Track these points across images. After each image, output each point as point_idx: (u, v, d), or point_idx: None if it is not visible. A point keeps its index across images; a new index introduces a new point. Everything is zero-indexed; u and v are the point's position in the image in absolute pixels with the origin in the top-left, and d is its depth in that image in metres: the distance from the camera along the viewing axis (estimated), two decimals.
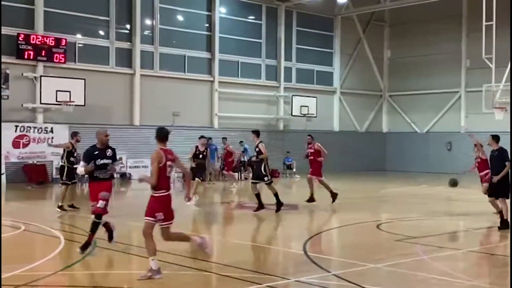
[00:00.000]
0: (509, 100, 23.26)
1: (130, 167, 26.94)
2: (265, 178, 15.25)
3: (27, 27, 24.81)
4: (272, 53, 32.86)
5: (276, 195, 15.25)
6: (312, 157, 17.57)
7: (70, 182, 15.29)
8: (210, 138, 26.73)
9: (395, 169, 35.09)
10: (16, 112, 24.34)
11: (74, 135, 15.91)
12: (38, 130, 24.81)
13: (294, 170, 30.45)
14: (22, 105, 24.43)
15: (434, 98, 34.82)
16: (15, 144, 24.31)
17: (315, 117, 32.59)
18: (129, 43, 27.63)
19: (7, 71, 24.02)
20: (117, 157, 10.39)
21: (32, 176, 24.12)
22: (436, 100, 34.75)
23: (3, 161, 23.42)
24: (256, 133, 15.66)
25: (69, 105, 24.37)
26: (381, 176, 31.53)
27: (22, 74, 24.52)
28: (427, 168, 34.02)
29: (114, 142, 24.46)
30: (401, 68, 36.67)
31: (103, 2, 26.97)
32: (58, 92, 24.16)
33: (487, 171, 14.29)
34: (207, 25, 30.36)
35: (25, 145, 24.15)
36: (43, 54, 24.69)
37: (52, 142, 24.48)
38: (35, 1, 24.78)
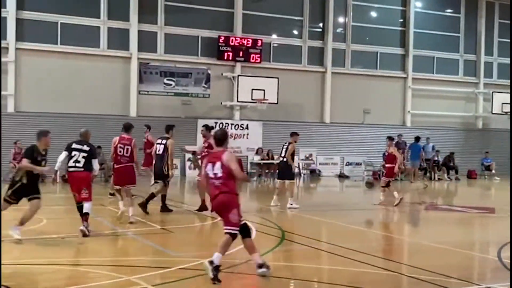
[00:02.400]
0: None
1: (320, 163, 27.35)
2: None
3: (227, 29, 26.29)
4: (471, 48, 31.13)
5: (161, 196, 13.55)
6: (207, 154, 12.91)
7: None
8: (400, 135, 26.24)
9: None
10: (216, 110, 26.02)
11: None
12: (235, 126, 26.24)
13: (493, 171, 28.55)
14: (221, 103, 26.01)
15: None
16: None
17: None
18: (321, 41, 28.00)
19: (209, 71, 25.76)
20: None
21: None
22: None
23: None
24: (167, 128, 13.75)
25: (263, 103, 25.38)
26: None
27: (222, 74, 26.08)
28: None
29: (304, 139, 24.94)
30: None
31: (297, 3, 27.63)
32: (253, 91, 25.30)
33: (389, 165, 16.16)
34: (401, 20, 29.65)
35: None
36: (240, 55, 26.02)
37: (247, 138, 25.94)
38: (235, 5, 26.20)
